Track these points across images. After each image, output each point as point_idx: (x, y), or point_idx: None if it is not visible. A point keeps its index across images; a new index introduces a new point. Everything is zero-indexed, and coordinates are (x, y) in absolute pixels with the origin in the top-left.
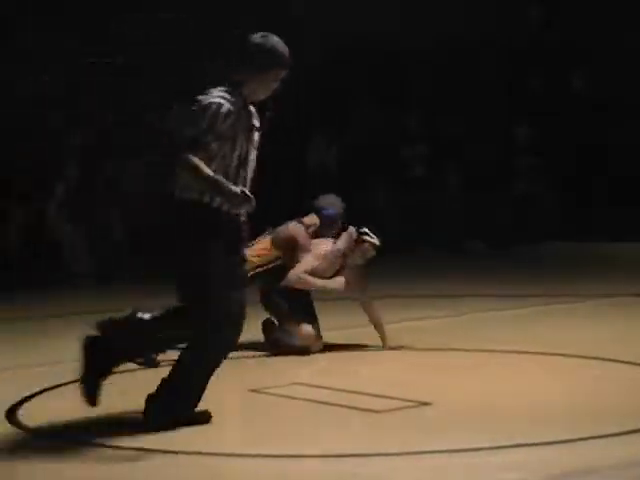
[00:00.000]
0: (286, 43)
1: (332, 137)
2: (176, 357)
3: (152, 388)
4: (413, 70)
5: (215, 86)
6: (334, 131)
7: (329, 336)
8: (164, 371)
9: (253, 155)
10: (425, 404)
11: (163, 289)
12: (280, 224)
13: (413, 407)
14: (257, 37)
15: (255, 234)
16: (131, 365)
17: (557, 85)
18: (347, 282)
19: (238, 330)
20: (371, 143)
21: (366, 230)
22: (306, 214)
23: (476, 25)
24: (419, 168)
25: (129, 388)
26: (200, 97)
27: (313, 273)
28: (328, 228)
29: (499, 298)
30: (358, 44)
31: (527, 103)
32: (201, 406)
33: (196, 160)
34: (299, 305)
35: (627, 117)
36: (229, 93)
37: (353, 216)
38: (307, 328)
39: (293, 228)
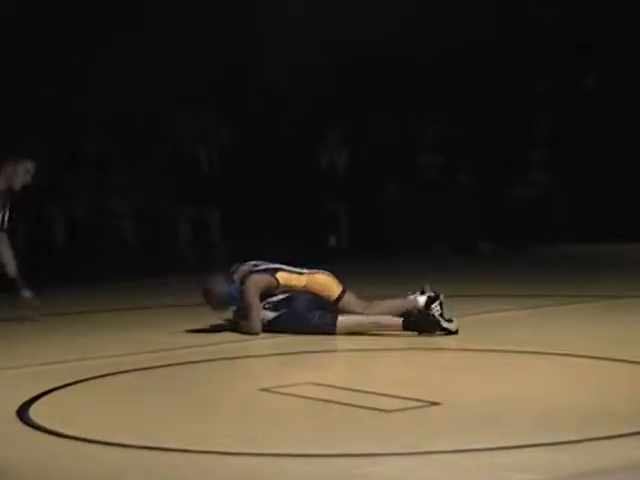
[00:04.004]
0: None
1: (345, 140)
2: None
3: (159, 386)
4: (426, 72)
5: None
6: (348, 133)
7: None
8: (163, 372)
9: None
10: (435, 404)
11: None
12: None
13: (423, 407)
14: None
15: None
16: (136, 364)
17: (570, 85)
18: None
19: None
20: (385, 145)
21: None
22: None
23: (489, 27)
24: (433, 172)
25: (133, 387)
26: None
27: None
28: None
29: (508, 298)
30: (372, 48)
31: (540, 104)
32: (210, 405)
33: None
34: None
35: (635, 116)
36: None
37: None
38: None
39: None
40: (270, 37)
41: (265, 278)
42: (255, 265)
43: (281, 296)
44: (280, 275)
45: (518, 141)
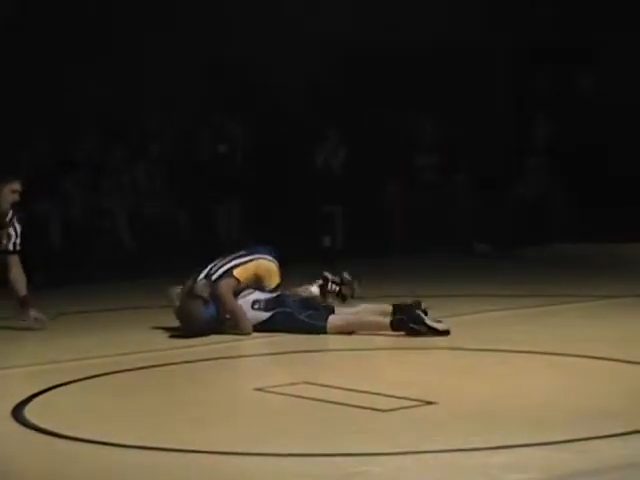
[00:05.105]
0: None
1: (343, 140)
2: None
3: (155, 385)
4: (426, 72)
5: None
6: (346, 133)
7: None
8: (159, 372)
9: None
10: (430, 403)
11: None
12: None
13: (418, 406)
14: None
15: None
16: (132, 364)
17: (568, 86)
18: None
19: None
20: (384, 145)
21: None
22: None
23: (489, 27)
24: (431, 173)
25: (129, 387)
26: None
27: None
28: None
29: (505, 299)
30: (371, 47)
31: (539, 104)
32: (206, 404)
33: None
34: None
35: (633, 118)
36: None
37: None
38: None
39: None
40: (270, 37)
41: (230, 282)
42: (208, 275)
43: (268, 295)
44: (237, 272)
45: (517, 141)
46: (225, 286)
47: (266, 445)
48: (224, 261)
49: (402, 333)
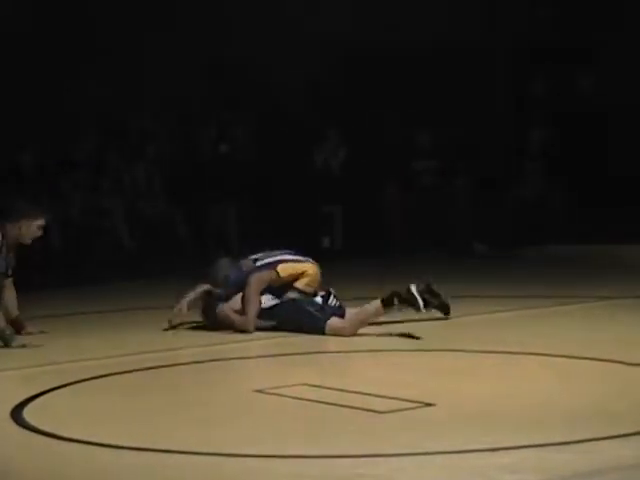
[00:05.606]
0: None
1: (342, 140)
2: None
3: (155, 386)
4: (425, 72)
5: None
6: (346, 133)
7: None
8: (158, 374)
9: None
10: (429, 405)
11: None
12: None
13: (416, 408)
14: None
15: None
16: (133, 365)
17: (567, 86)
18: None
19: None
20: (384, 146)
21: None
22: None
23: (485, 27)
24: (429, 177)
25: (128, 388)
26: None
27: None
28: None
29: (500, 299)
30: (370, 48)
31: (533, 105)
32: (206, 406)
33: None
34: None
35: (633, 118)
36: None
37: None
38: None
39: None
40: (270, 37)
41: (266, 275)
42: (256, 260)
43: (286, 298)
44: (281, 268)
45: (517, 142)
46: (258, 277)
47: (265, 446)
48: (273, 253)
49: (400, 335)
